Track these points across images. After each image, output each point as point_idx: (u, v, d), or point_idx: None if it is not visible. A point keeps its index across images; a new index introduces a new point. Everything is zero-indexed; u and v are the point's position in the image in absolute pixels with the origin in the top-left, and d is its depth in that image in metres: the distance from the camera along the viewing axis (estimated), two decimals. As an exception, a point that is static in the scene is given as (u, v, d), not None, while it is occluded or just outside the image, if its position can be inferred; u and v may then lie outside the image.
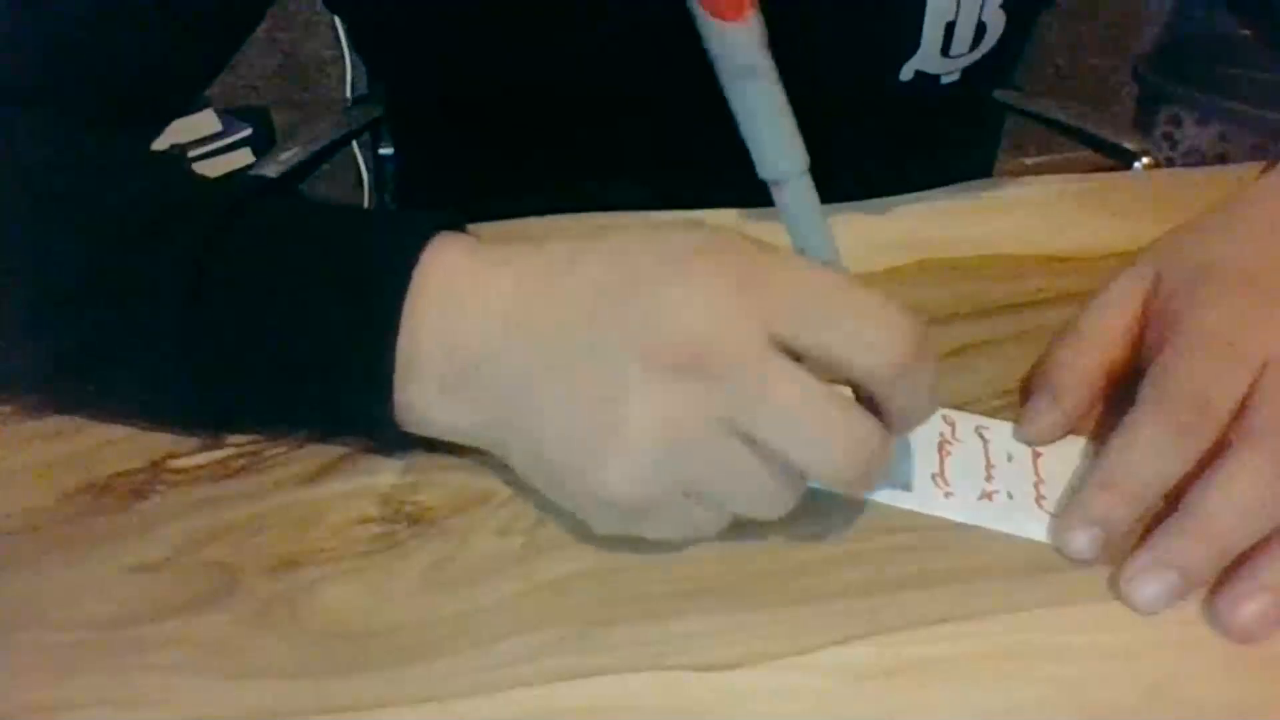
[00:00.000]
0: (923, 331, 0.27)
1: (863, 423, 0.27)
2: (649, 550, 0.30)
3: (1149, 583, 0.28)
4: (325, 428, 0.34)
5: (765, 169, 0.28)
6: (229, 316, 0.31)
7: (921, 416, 0.29)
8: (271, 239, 0.32)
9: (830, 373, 0.27)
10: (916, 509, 0.32)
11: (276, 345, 0.31)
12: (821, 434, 0.26)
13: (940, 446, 0.34)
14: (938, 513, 0.31)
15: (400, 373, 0.30)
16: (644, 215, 0.43)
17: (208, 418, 0.35)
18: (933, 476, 0.33)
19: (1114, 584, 0.29)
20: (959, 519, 0.31)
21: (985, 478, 0.32)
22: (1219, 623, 0.28)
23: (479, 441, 0.32)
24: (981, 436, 0.34)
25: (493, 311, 0.30)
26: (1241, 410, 0.30)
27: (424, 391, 0.31)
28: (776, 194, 0.29)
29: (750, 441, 0.27)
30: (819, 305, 0.27)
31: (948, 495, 0.32)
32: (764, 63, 0.26)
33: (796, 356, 0.27)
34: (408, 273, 0.30)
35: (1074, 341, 0.35)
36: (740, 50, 0.26)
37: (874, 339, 0.26)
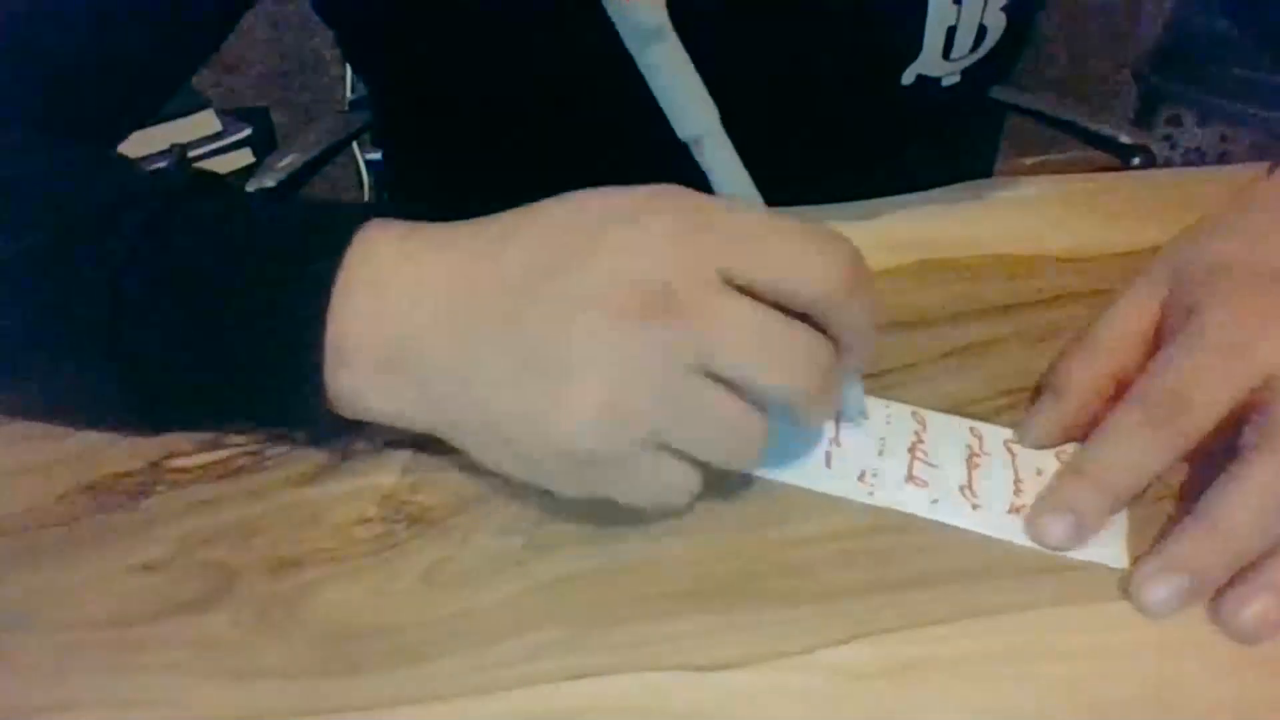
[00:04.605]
0: (858, 254, 0.28)
1: (814, 338, 0.28)
2: (649, 550, 0.30)
3: (1160, 586, 0.28)
4: (258, 422, 0.34)
5: (682, 129, 0.29)
6: (155, 312, 0.31)
7: (865, 341, 0.30)
8: (200, 234, 0.32)
9: (778, 303, 0.28)
10: (948, 522, 0.31)
11: (203, 341, 0.31)
12: (780, 355, 0.28)
13: (968, 459, 0.34)
14: (965, 525, 0.31)
15: (331, 361, 0.30)
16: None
17: (137, 414, 0.34)
18: (960, 489, 0.32)
19: (1123, 585, 0.29)
20: (988, 533, 0.31)
21: (1014, 491, 0.32)
22: (1221, 623, 0.28)
23: (423, 424, 0.32)
24: (1009, 450, 0.34)
25: (427, 288, 0.30)
26: (1255, 415, 0.30)
27: (357, 377, 0.31)
28: (696, 153, 0.30)
29: (710, 376, 0.28)
30: (762, 242, 0.28)
31: (975, 508, 0.32)
32: (666, 25, 0.27)
33: (744, 291, 0.28)
34: (334, 262, 0.30)
35: (1083, 348, 0.35)
36: (643, 14, 0.27)
37: (817, 267, 0.28)
